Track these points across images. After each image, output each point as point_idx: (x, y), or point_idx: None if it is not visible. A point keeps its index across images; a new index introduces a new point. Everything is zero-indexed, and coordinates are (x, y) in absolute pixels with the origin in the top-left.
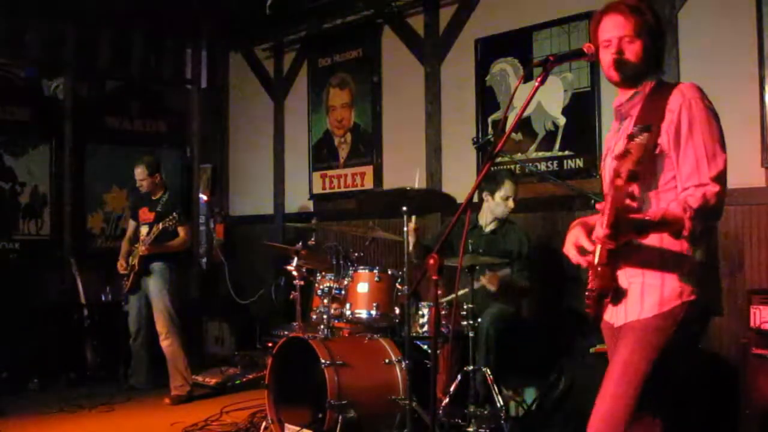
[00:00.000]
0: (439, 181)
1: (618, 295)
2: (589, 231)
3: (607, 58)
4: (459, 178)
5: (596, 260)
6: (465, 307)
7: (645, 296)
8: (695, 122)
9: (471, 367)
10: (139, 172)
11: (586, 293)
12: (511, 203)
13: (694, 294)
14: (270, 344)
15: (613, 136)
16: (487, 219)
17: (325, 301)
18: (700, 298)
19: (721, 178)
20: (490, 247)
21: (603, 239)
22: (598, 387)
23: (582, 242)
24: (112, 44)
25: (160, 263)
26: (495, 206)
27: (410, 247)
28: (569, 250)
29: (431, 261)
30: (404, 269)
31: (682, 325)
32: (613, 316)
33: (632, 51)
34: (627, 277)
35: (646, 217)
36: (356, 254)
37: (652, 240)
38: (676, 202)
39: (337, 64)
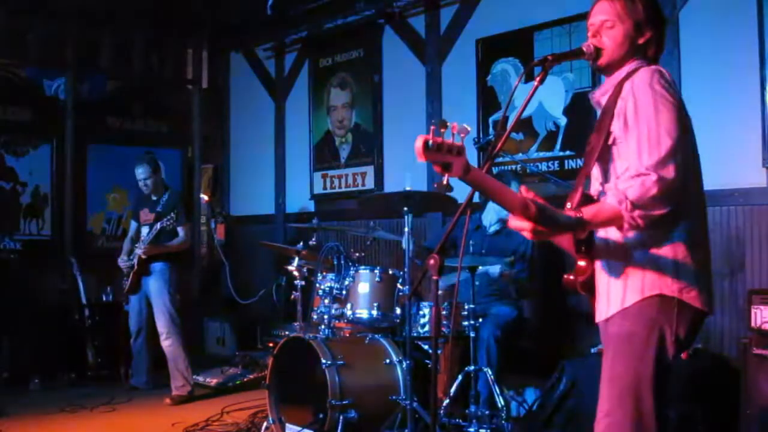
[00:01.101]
0: (439, 181)
1: (589, 289)
2: None
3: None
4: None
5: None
6: (466, 307)
7: (611, 292)
8: (639, 108)
9: (472, 368)
10: (143, 171)
11: None
12: None
13: (658, 288)
14: (271, 344)
15: None
16: (491, 219)
17: (326, 301)
18: (672, 294)
19: (661, 164)
20: (492, 248)
21: (528, 233)
22: (598, 387)
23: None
24: (113, 44)
25: (161, 263)
26: (500, 207)
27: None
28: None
29: (432, 261)
30: (405, 269)
31: (657, 325)
32: (598, 310)
33: (611, 36)
34: (599, 272)
35: (579, 214)
36: (357, 254)
37: (613, 234)
38: (613, 194)
39: (338, 64)
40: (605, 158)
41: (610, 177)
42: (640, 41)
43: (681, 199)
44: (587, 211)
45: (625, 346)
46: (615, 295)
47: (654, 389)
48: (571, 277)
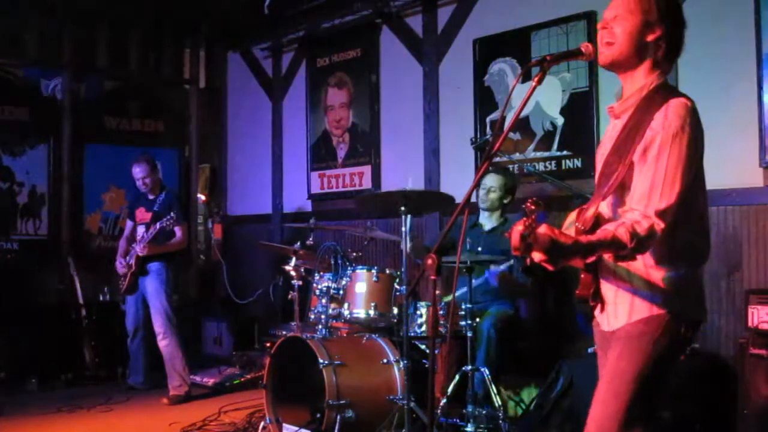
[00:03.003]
0: (437, 181)
1: (599, 300)
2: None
3: (600, 37)
4: (457, 179)
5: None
6: (463, 307)
7: (618, 306)
8: (664, 148)
9: (469, 367)
10: (141, 170)
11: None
12: (491, 194)
13: (666, 306)
14: (268, 344)
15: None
16: (485, 216)
17: (324, 300)
18: (675, 310)
19: (667, 213)
20: (489, 246)
21: (547, 266)
22: (595, 387)
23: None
24: (110, 44)
25: (157, 263)
26: (479, 200)
27: (409, 249)
28: None
29: (429, 261)
30: (402, 269)
31: (666, 330)
32: (602, 320)
33: (619, 30)
34: (606, 285)
35: (592, 239)
36: (354, 254)
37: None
38: (624, 227)
39: (335, 64)
40: (624, 185)
41: (623, 202)
42: (649, 38)
43: (686, 224)
44: (604, 235)
45: (634, 342)
46: (622, 309)
47: (652, 388)
48: (582, 292)
